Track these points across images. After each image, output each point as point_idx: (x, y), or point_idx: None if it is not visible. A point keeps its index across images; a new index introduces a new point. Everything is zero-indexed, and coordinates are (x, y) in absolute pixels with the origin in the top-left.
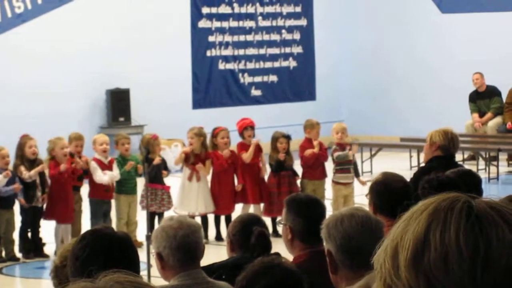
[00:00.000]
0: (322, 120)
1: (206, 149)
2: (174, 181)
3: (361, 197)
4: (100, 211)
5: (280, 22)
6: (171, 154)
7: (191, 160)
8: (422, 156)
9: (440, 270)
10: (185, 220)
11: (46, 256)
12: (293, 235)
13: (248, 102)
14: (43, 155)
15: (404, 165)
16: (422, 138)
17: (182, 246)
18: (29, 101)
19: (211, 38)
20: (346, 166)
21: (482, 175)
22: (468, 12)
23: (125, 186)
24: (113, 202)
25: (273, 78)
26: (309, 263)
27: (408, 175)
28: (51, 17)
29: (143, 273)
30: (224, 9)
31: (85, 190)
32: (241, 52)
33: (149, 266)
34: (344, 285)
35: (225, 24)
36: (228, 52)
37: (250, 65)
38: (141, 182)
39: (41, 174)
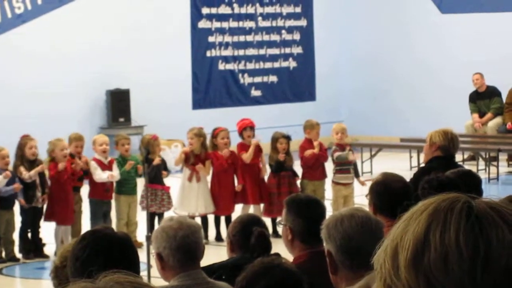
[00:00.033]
0: (322, 121)
1: (206, 150)
2: (174, 182)
3: (361, 198)
4: (100, 211)
5: (280, 23)
6: (171, 154)
7: (191, 160)
8: (422, 157)
9: (440, 270)
10: (185, 220)
11: (46, 257)
12: (293, 235)
13: (248, 102)
14: (43, 155)
15: (404, 166)
16: (422, 138)
17: (182, 247)
18: (29, 102)
19: (211, 39)
20: (346, 167)
21: (482, 175)
22: (468, 13)
23: (125, 186)
24: (113, 202)
25: (273, 78)
26: (309, 263)
27: (408, 176)
28: (51, 18)
29: (143, 273)
30: (224, 9)
31: (85, 190)
32: (241, 52)
33: (149, 266)
34: (344, 285)
35: (225, 25)
36: (228, 52)
37: (250, 66)
38: (141, 183)
39: (41, 175)
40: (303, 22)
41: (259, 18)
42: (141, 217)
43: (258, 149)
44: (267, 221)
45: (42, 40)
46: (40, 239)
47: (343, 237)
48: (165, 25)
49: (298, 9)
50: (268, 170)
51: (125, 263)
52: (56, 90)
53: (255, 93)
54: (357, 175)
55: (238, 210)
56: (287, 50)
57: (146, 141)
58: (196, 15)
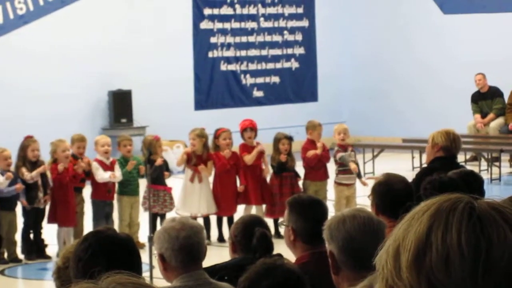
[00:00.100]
0: (324, 121)
1: (208, 150)
2: (176, 182)
3: (363, 198)
4: (102, 212)
5: (282, 23)
6: (173, 155)
7: (193, 161)
8: (424, 157)
9: (441, 271)
10: (187, 221)
11: (48, 258)
12: (295, 236)
13: (250, 103)
14: (46, 156)
15: (406, 166)
16: (424, 139)
17: (184, 247)
18: (31, 102)
19: (213, 39)
20: (348, 167)
21: (484, 176)
22: (470, 13)
23: (127, 187)
24: (115, 203)
25: (275, 79)
26: (311, 264)
27: (410, 176)
28: (53, 19)
29: (145, 274)
30: (226, 10)
31: (87, 191)
32: (243, 53)
33: (151, 267)
34: (346, 286)
35: (227, 25)
36: (230, 53)
37: (252, 66)
38: (143, 184)
39: (43, 176)
40: (305, 23)
41: (261, 19)
42: (143, 218)
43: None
44: (269, 221)
45: (44, 41)
46: (42, 240)
47: (345, 237)
48: (167, 26)
49: (300, 10)
50: (270, 170)
51: (127, 264)
52: (58, 91)
53: (257, 93)
54: (359, 175)
55: (240, 211)
56: (289, 51)
57: (148, 142)
58: (198, 16)
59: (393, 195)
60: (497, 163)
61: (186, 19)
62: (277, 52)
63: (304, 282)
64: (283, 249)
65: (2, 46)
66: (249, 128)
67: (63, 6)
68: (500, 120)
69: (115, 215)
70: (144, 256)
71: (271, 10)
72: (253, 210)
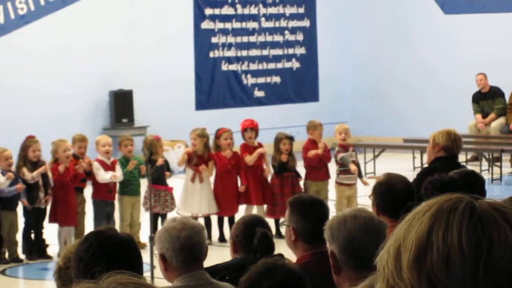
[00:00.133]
0: (325, 121)
1: (208, 150)
2: (177, 182)
3: (364, 198)
4: (103, 212)
5: (283, 23)
6: (174, 155)
7: (194, 161)
8: (425, 157)
9: (442, 271)
10: (188, 221)
11: (49, 258)
12: (297, 236)
13: (251, 103)
14: (47, 156)
15: (407, 166)
16: (425, 139)
17: (185, 247)
18: (32, 103)
19: (214, 39)
20: (348, 168)
21: (485, 176)
22: (472, 13)
23: (128, 187)
24: (116, 203)
25: (276, 79)
26: (313, 264)
27: (411, 176)
28: (54, 19)
29: (147, 274)
30: (227, 10)
31: (88, 191)
32: (244, 53)
33: (152, 267)
34: (347, 286)
35: (228, 25)
36: (231, 53)
37: (253, 66)
38: (144, 184)
39: (44, 175)
40: (306, 23)
41: (262, 19)
42: (145, 218)
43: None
44: (270, 221)
45: (45, 41)
46: (44, 240)
47: (346, 237)
48: (168, 26)
49: (301, 10)
50: (271, 170)
51: (128, 264)
52: (59, 91)
53: (258, 93)
54: (360, 175)
55: (241, 211)
56: (290, 51)
57: (148, 142)
58: (199, 16)
59: (394, 195)
60: (498, 163)
61: (187, 19)
62: (278, 52)
63: (305, 282)
64: (284, 249)
65: (3, 46)
66: (249, 128)
67: (64, 6)
68: (501, 120)
69: (116, 215)
70: (145, 256)
71: (272, 10)
72: (254, 210)
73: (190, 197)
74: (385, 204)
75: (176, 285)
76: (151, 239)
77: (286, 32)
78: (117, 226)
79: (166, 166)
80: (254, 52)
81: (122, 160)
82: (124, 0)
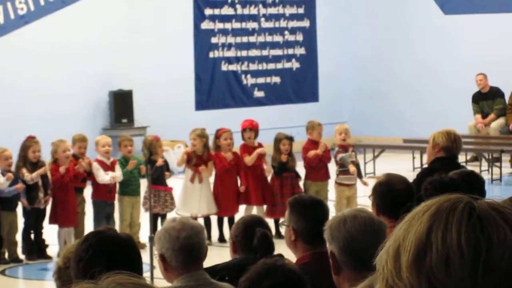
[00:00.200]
0: (324, 122)
1: (208, 151)
2: (177, 183)
3: (364, 199)
4: (103, 212)
5: (282, 24)
6: (173, 155)
7: (193, 161)
8: (425, 158)
9: (441, 271)
10: (188, 221)
11: (49, 258)
12: (296, 236)
13: (251, 103)
14: (46, 156)
15: (407, 167)
16: (425, 139)
17: (185, 248)
18: (32, 103)
19: (214, 40)
20: (348, 168)
21: (485, 176)
22: (471, 14)
23: (128, 187)
24: (116, 203)
25: (276, 79)
26: (312, 264)
27: (411, 177)
28: (54, 19)
29: (146, 274)
30: (226, 10)
31: (88, 192)
32: (244, 53)
33: (152, 267)
34: (347, 286)
35: (227, 26)
36: (231, 53)
37: (253, 67)
38: (144, 184)
39: (43, 176)
40: (306, 23)
41: (262, 19)
42: (144, 218)
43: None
44: (270, 222)
45: (45, 41)
46: (43, 240)
47: (346, 238)
48: (168, 26)
49: (301, 10)
50: (271, 170)
51: (128, 264)
52: (59, 91)
53: (258, 94)
54: (360, 175)
55: (241, 211)
56: (290, 51)
57: (148, 142)
58: (199, 16)
59: (394, 195)
60: (497, 164)
61: (187, 19)
62: (278, 52)
63: (305, 282)
64: (284, 249)
65: (2, 46)
66: (248, 129)
67: (63, 6)
68: (501, 121)
69: (116, 215)
70: (145, 256)
71: (272, 11)
72: (254, 210)
73: (189, 197)
74: (385, 205)
75: (176, 285)
76: (151, 239)
77: (286, 32)
78: (117, 226)
79: (165, 167)
80: (254, 53)
81: (121, 161)
82: (124, 0)
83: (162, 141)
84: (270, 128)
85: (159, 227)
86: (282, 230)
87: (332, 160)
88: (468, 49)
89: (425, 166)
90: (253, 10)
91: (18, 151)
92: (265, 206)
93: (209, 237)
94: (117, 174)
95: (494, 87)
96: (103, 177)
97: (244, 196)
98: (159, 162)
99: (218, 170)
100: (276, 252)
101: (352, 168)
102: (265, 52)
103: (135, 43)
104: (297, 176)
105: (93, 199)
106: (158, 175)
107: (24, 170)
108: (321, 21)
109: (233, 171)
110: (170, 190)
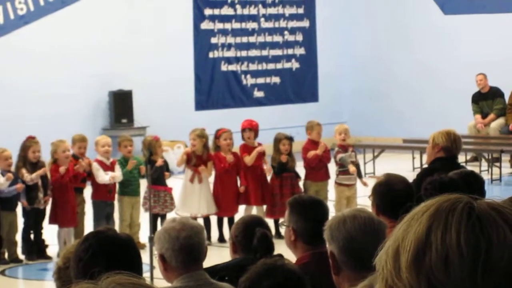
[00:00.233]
0: (324, 122)
1: (208, 151)
2: (176, 183)
3: (364, 199)
4: (103, 212)
5: (282, 24)
6: (173, 155)
7: (193, 161)
8: (425, 158)
9: (441, 271)
10: (187, 221)
11: (49, 258)
12: (296, 236)
13: (250, 103)
14: (46, 156)
15: (406, 167)
16: (425, 139)
17: (185, 248)
18: (32, 103)
19: (213, 40)
20: (348, 169)
21: (485, 176)
22: (471, 14)
23: (128, 187)
24: (116, 203)
25: (276, 79)
26: (312, 264)
27: (411, 177)
28: (54, 19)
29: (146, 275)
30: (226, 10)
31: (88, 192)
32: (244, 53)
33: (151, 267)
34: (347, 286)
35: (227, 26)
36: (230, 53)
37: (253, 67)
38: (144, 184)
39: (43, 176)
40: (305, 23)
41: (262, 19)
42: (144, 218)
43: (261, 152)
44: (270, 222)
45: (44, 41)
46: (43, 240)
47: (346, 238)
48: (167, 26)
49: (300, 10)
50: (271, 170)
51: (128, 265)
52: (58, 91)
53: (258, 94)
54: (359, 175)
55: (241, 211)
56: (290, 51)
57: (148, 142)
58: (198, 16)
59: (393, 195)
60: (497, 164)
61: (187, 19)
62: (277, 52)
63: (304, 282)
64: (283, 249)
65: (2, 46)
66: (248, 129)
67: (63, 7)
68: (500, 121)
69: (116, 216)
70: (145, 256)
71: (271, 11)
72: (254, 210)
73: (189, 197)
74: (384, 205)
75: (176, 285)
76: (151, 239)
77: (286, 32)
78: (117, 227)
79: (165, 167)
80: (253, 53)
81: (121, 161)
82: (124, 0)
83: (162, 141)
84: (270, 128)
85: (159, 227)
86: (282, 230)
87: (332, 160)
88: (468, 49)
89: (425, 166)
90: (253, 10)
91: (18, 151)
92: (264, 206)
93: (209, 237)
94: (117, 174)
95: (494, 87)
96: (103, 177)
97: (243, 196)
98: (159, 162)
99: (218, 171)
100: (276, 252)
101: (352, 168)
102: (264, 52)
103: (135, 43)
104: (297, 176)
105: (93, 199)
106: (158, 175)
107: (24, 170)
108: (321, 21)
109: (232, 171)
110: (170, 190)
